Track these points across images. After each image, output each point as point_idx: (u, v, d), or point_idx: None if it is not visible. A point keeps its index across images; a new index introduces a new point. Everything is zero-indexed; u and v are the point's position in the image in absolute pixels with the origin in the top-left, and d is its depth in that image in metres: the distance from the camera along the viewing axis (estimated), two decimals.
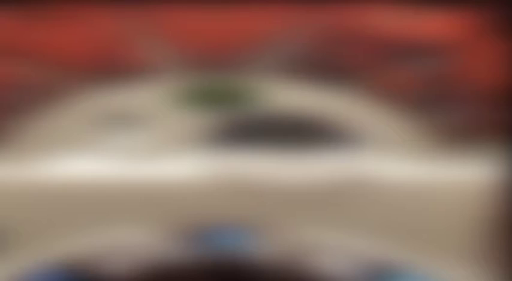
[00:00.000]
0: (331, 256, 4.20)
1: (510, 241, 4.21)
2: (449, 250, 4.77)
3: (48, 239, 4.83)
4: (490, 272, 3.81)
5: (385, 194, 5.51)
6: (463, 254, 4.66)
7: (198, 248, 4.19)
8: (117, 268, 3.97)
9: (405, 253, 4.78)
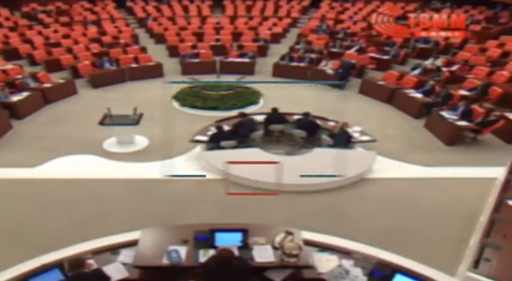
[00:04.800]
0: (329, 256, 4.11)
1: (509, 240, 4.13)
2: (449, 249, 4.67)
3: (48, 238, 4.77)
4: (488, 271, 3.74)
5: (385, 193, 5.42)
6: (462, 253, 4.57)
7: (196, 247, 4.14)
8: (117, 267, 3.90)
9: (406, 253, 4.70)
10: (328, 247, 4.22)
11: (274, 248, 3.96)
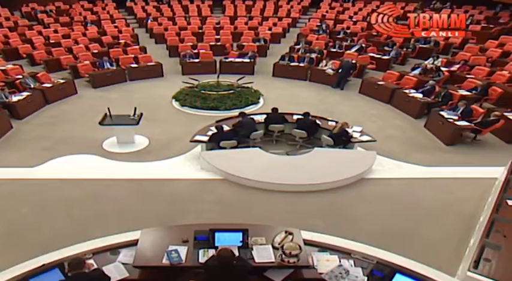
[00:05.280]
0: (329, 256, 4.11)
1: (509, 240, 4.12)
2: (449, 249, 4.67)
3: (48, 238, 4.78)
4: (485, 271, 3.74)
5: (385, 193, 5.42)
6: (462, 253, 4.57)
7: (196, 247, 4.14)
8: (117, 267, 3.89)
9: (406, 253, 4.71)
10: (328, 247, 4.21)
11: (274, 248, 3.96)
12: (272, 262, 3.80)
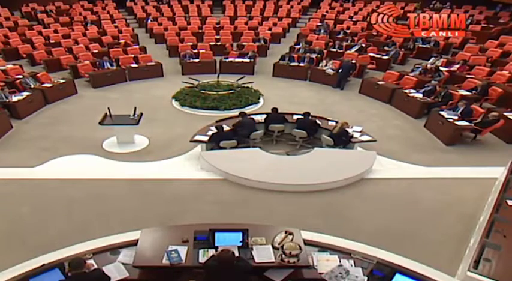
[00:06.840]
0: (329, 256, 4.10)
1: (509, 240, 4.11)
2: (449, 249, 4.67)
3: (48, 238, 4.78)
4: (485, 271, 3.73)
5: (385, 193, 5.43)
6: (462, 253, 4.58)
7: (196, 247, 4.14)
8: (117, 267, 3.88)
9: (406, 253, 4.71)
10: (328, 247, 4.21)
11: (274, 248, 3.96)
12: (272, 262, 3.80)
